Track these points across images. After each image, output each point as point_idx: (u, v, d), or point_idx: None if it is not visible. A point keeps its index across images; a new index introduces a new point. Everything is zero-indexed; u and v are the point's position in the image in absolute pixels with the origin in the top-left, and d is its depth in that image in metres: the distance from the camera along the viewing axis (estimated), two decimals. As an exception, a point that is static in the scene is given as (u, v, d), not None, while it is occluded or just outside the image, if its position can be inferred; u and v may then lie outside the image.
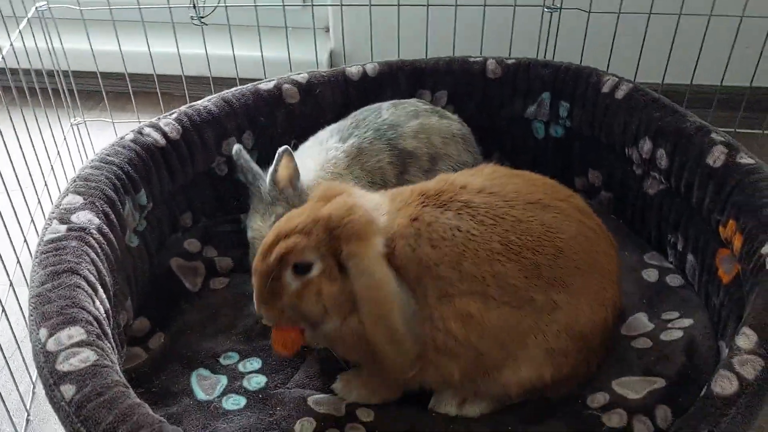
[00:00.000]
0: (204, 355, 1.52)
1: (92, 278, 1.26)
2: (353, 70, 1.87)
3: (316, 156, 1.61)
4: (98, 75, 1.98)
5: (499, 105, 1.92)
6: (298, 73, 1.84)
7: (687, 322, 1.51)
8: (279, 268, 1.25)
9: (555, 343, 1.29)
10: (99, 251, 1.33)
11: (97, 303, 1.24)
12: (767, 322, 1.20)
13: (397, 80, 1.88)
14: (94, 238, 1.34)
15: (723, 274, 1.50)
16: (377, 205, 1.32)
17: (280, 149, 1.50)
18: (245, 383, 1.46)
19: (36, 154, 1.78)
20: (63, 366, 1.06)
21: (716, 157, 1.54)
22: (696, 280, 1.61)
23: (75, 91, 2.01)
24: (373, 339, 1.23)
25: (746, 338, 1.20)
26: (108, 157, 1.50)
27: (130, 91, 2.02)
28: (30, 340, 1.14)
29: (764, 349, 1.18)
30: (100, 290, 1.28)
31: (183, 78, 2.08)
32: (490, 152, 1.98)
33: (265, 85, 1.80)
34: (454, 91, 1.90)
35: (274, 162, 1.50)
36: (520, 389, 1.32)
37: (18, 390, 1.48)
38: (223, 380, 1.47)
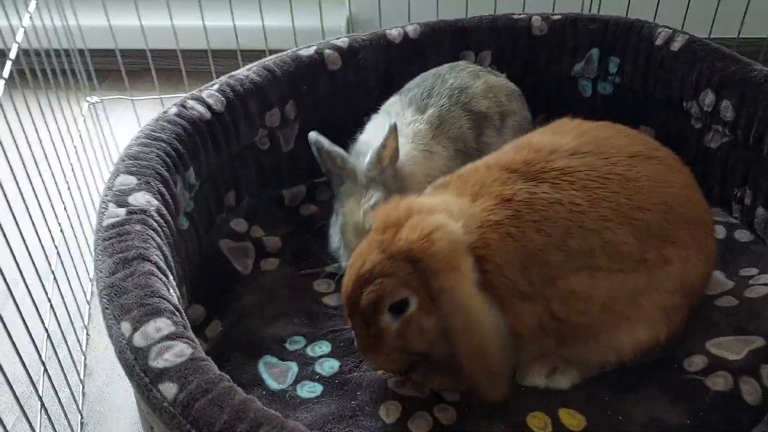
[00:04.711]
0: (268, 342, 1.42)
1: (162, 264, 1.15)
2: (394, 32, 1.76)
3: (401, 131, 1.50)
4: (117, 52, 1.84)
5: (545, 63, 1.84)
6: (338, 38, 1.73)
7: (769, 278, 1.46)
8: (374, 314, 1.15)
9: (670, 301, 1.22)
10: (162, 234, 1.22)
11: (171, 291, 1.13)
12: None
13: (440, 41, 1.78)
14: (155, 221, 1.22)
15: (803, 226, 1.45)
16: (448, 208, 1.19)
17: (390, 124, 1.38)
18: (318, 368, 1.37)
19: (61, 136, 1.65)
20: (157, 362, 0.96)
21: (791, 105, 1.48)
22: (768, 234, 1.56)
23: (92, 71, 1.87)
24: (470, 375, 1.15)
25: None
26: (154, 133, 1.38)
27: (152, 66, 1.88)
28: (110, 336, 1.03)
29: None
30: (171, 277, 1.17)
31: (179, 52, 1.92)
32: (535, 113, 1.90)
33: (305, 51, 1.68)
34: (499, 51, 1.81)
35: (384, 137, 1.38)
36: (635, 351, 1.25)
37: (70, 388, 1.38)
38: (294, 367, 1.38)
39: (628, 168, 1.22)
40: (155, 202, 1.25)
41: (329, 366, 1.38)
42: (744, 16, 1.90)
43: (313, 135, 1.45)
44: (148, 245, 1.15)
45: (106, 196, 1.24)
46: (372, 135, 1.51)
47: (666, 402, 1.26)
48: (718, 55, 1.63)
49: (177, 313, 1.06)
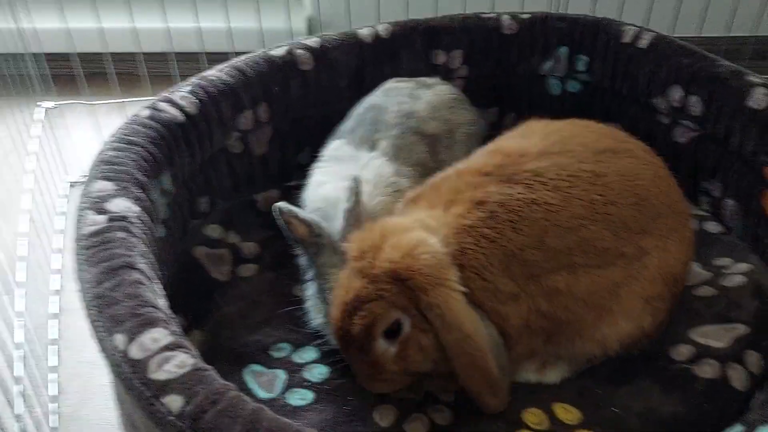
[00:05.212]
0: (253, 350, 1.37)
1: (149, 272, 1.10)
2: (365, 32, 1.74)
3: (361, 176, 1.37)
4: (76, 56, 1.76)
5: (515, 62, 1.84)
6: (308, 38, 1.69)
7: (744, 266, 1.49)
8: (368, 341, 1.13)
9: (651, 290, 1.23)
10: (145, 242, 1.17)
11: (161, 300, 1.08)
12: None
13: (412, 41, 1.76)
14: (138, 228, 1.17)
15: (773, 215, 1.49)
16: (423, 223, 1.17)
17: (354, 180, 1.26)
18: (307, 375, 1.33)
19: (13, 143, 1.56)
20: (158, 374, 0.91)
21: (759, 99, 1.52)
22: (738, 224, 1.60)
23: (49, 75, 1.78)
24: (469, 387, 1.14)
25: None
26: (128, 137, 1.32)
27: (112, 70, 1.81)
28: (102, 349, 0.97)
29: None
30: (157, 285, 1.12)
31: (142, 56, 1.87)
32: (505, 112, 1.91)
33: (277, 51, 1.64)
34: (470, 50, 1.81)
35: (351, 197, 1.26)
36: (619, 344, 1.26)
37: (43, 407, 1.30)
38: (281, 375, 1.33)
39: (597, 164, 1.22)
40: (136, 209, 1.19)
41: (318, 372, 1.34)
42: (705, 16, 1.95)
43: (282, 205, 1.29)
44: (132, 253, 1.10)
45: (84, 203, 1.17)
46: (329, 190, 1.38)
47: (659, 392, 1.27)
48: (685, 51, 1.66)
49: (171, 322, 1.01)
